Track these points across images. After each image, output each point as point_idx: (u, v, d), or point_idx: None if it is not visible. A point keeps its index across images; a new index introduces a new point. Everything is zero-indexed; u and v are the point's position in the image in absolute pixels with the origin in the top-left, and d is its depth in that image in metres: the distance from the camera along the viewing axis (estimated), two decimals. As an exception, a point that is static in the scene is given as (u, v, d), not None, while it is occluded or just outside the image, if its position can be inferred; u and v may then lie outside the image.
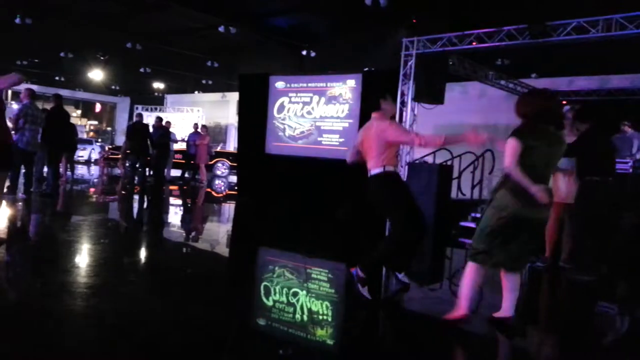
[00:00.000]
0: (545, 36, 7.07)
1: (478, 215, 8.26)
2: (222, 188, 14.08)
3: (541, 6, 7.32)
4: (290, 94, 10.67)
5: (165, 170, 12.97)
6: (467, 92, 11.84)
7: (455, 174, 8.59)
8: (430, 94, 8.40)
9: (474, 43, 7.88)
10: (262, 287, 4.22)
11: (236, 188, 12.18)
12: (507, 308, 3.35)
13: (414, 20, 8.35)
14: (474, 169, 8.63)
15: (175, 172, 14.17)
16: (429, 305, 4.16)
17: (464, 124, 11.09)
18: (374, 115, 4.13)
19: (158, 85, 22.16)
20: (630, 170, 7.42)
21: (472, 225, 7.93)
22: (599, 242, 5.30)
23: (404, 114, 8.89)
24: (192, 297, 3.79)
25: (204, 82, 19.68)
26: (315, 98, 10.30)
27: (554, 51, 8.47)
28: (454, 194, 8.96)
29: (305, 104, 10.44)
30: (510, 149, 3.11)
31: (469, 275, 3.29)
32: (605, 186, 5.09)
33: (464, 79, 10.06)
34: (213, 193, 12.76)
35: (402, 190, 4.05)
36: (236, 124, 12.59)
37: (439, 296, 4.68)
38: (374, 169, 3.95)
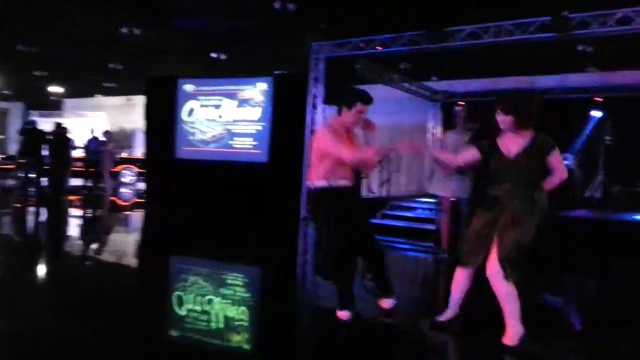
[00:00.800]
0: (442, 41, 7.53)
1: (389, 212, 8.63)
2: (129, 196, 13.44)
3: (439, 13, 7.78)
4: (200, 97, 10.45)
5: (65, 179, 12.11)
6: (373, 94, 12.22)
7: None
8: (340, 97, 8.60)
9: (378, 47, 8.21)
10: (173, 298, 4.09)
11: (145, 195, 11.69)
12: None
13: (322, 26, 8.54)
14: (381, 167, 8.97)
15: (77, 181, 13.28)
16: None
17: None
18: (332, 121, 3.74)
19: (55, 89, 20.70)
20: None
21: (382, 222, 8.26)
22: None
23: (315, 116, 9.04)
24: (95, 313, 3.59)
25: (106, 85, 18.68)
26: (226, 101, 10.19)
27: (451, 55, 9.04)
28: (363, 192, 9.25)
29: (215, 107, 10.28)
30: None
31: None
32: None
33: (371, 82, 10.42)
34: (119, 202, 12.13)
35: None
36: (143, 129, 12.08)
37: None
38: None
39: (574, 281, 5.55)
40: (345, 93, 3.71)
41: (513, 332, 2.99)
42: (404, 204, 8.92)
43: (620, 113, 9.50)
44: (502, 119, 3.08)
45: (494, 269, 3.01)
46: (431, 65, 11.04)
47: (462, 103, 11.43)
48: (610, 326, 3.86)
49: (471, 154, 3.29)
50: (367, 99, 3.61)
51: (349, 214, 3.50)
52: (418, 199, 8.93)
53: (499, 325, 3.05)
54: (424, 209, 8.42)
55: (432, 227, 7.23)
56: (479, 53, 8.64)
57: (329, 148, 3.48)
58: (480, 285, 3.18)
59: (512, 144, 3.09)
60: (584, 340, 3.57)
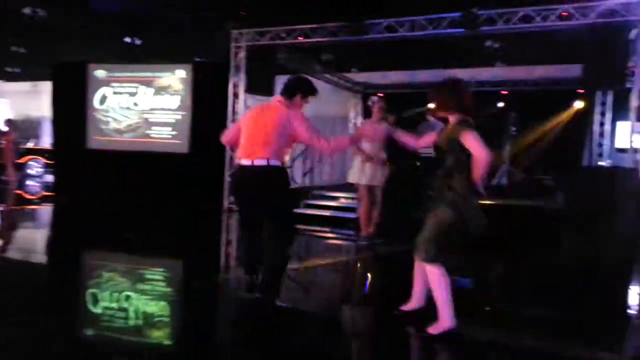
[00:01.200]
0: (363, 33, 7.69)
1: (312, 202, 8.73)
2: (37, 189, 12.56)
3: (358, 5, 7.93)
4: (113, 84, 9.94)
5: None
6: (296, 84, 12.30)
7: (287, 162, 8.93)
8: (262, 86, 8.57)
9: (300, 38, 8.23)
10: (88, 296, 3.91)
11: (53, 188, 10.97)
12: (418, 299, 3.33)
13: (242, 12, 8.40)
14: (304, 158, 9.05)
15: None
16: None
17: (295, 115, 11.51)
18: (278, 99, 3.61)
19: (-52, 73, 18.80)
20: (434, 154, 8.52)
21: (305, 211, 8.35)
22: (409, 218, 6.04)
23: (237, 105, 8.92)
24: (2, 315, 3.36)
25: (9, 70, 17.25)
26: (142, 89, 9.77)
27: (371, 47, 9.27)
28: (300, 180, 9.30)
29: (130, 95, 9.83)
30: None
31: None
32: (416, 169, 5.83)
33: (293, 72, 10.43)
34: (25, 195, 11.31)
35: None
36: (51, 117, 11.30)
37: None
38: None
39: (481, 264, 5.93)
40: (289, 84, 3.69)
41: (439, 323, 3.05)
42: (327, 193, 9.07)
43: (524, 106, 10.24)
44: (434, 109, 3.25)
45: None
46: (352, 57, 11.25)
47: (381, 94, 11.83)
48: (514, 302, 4.19)
49: (430, 139, 3.37)
50: (310, 91, 3.67)
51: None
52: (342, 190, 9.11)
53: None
54: (347, 198, 8.61)
55: (354, 215, 7.43)
56: (397, 46, 8.93)
57: (299, 131, 3.39)
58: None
59: (442, 134, 3.23)
60: (491, 316, 3.85)
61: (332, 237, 7.33)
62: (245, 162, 3.35)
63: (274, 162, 3.34)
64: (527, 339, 3.25)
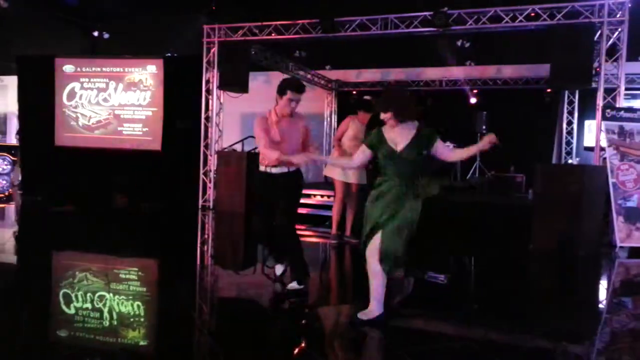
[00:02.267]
0: (334, 31, 7.71)
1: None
2: (4, 187, 12.20)
3: (331, 3, 7.95)
4: (82, 79, 9.72)
5: None
6: (270, 81, 12.19)
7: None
8: (235, 82, 8.48)
9: (273, 34, 8.19)
10: (60, 296, 3.83)
11: (21, 186, 10.67)
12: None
13: (214, 7, 8.32)
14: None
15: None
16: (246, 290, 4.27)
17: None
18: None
19: None
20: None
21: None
22: None
23: (210, 102, 8.83)
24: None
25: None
26: (112, 84, 9.59)
27: (344, 45, 9.30)
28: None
29: (100, 90, 9.64)
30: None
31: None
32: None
33: (267, 69, 10.39)
34: (-9, 193, 10.98)
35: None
36: (17, 113, 10.99)
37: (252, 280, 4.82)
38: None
39: (455, 259, 6.03)
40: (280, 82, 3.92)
41: (369, 309, 3.26)
42: (305, 191, 9.03)
43: (494, 104, 10.43)
44: (384, 117, 3.24)
45: (372, 250, 3.23)
46: (325, 54, 11.27)
47: (354, 92, 11.89)
48: (486, 299, 4.28)
49: (365, 155, 3.39)
50: (297, 88, 3.84)
51: (273, 195, 3.94)
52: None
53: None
54: (323, 195, 8.60)
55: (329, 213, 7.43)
56: (370, 44, 8.98)
57: (254, 134, 3.89)
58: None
59: (399, 137, 3.23)
60: (463, 310, 3.92)
61: (309, 235, 7.33)
62: None
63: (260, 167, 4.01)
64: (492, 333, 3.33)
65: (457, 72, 11.24)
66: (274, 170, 3.92)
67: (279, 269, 4.23)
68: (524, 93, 10.71)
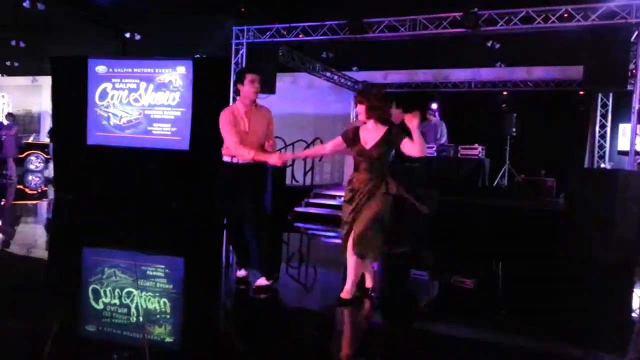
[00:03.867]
0: (362, 32, 7.67)
1: (312, 200, 8.73)
2: (37, 184, 12.56)
3: (359, 4, 7.91)
4: (113, 80, 9.92)
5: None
6: (296, 82, 12.29)
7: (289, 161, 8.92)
8: (262, 83, 8.52)
9: (300, 35, 8.21)
10: (90, 292, 3.91)
11: (54, 183, 10.97)
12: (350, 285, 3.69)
13: (242, 9, 8.39)
14: (305, 156, 9.01)
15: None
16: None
17: (294, 113, 11.52)
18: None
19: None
20: (435, 154, 8.51)
21: (306, 210, 8.36)
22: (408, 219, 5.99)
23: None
24: (6, 311, 3.35)
25: (8, 64, 17.21)
26: (143, 84, 9.75)
27: (371, 46, 9.25)
28: (288, 180, 9.31)
29: (131, 90, 9.82)
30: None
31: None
32: (414, 169, 5.80)
33: (294, 70, 10.43)
34: (26, 190, 11.31)
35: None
36: (51, 112, 11.29)
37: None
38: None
39: (481, 265, 5.94)
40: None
41: (347, 289, 3.61)
42: (327, 192, 9.06)
43: (525, 106, 10.23)
44: (358, 109, 3.52)
45: (350, 244, 3.52)
46: (352, 56, 11.25)
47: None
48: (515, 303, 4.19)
49: (336, 144, 3.69)
50: (252, 69, 4.20)
51: (245, 187, 3.93)
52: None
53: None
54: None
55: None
56: (398, 45, 8.92)
57: (221, 129, 3.87)
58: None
59: (370, 135, 3.50)
60: (494, 319, 3.85)
61: (331, 236, 7.32)
62: None
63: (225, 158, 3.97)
64: (526, 340, 3.26)
65: (486, 74, 11.07)
66: (242, 161, 3.92)
67: (242, 274, 4.22)
68: (555, 95, 10.48)
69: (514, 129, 9.84)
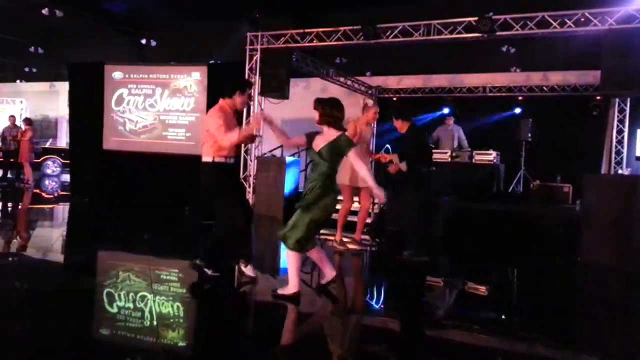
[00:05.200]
0: (376, 37, 7.67)
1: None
2: (53, 188, 12.73)
3: (372, 10, 7.93)
4: (129, 85, 10.04)
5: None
6: (310, 87, 12.31)
7: (302, 166, 8.94)
8: (276, 89, 8.58)
9: (314, 41, 8.24)
10: (105, 295, 3.94)
11: (70, 188, 11.11)
12: (329, 271, 4.02)
13: (257, 15, 8.44)
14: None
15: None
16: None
17: (308, 118, 11.50)
18: (220, 102, 4.27)
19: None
20: (449, 159, 8.46)
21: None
22: (427, 225, 5.94)
23: (252, 108, 8.95)
24: (21, 314, 3.39)
25: (27, 70, 17.51)
26: (158, 90, 9.85)
27: (385, 51, 9.25)
28: (302, 185, 9.31)
29: (147, 96, 9.92)
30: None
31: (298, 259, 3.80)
32: (431, 175, 5.75)
33: (307, 75, 10.46)
34: (42, 194, 11.47)
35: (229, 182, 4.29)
36: (68, 117, 11.45)
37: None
38: (205, 156, 4.18)
39: (496, 272, 5.88)
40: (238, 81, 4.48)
41: (289, 286, 3.76)
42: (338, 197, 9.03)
43: (540, 111, 10.13)
44: (315, 114, 3.78)
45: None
46: (366, 61, 11.25)
47: (395, 98, 11.81)
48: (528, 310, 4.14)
49: (298, 139, 3.95)
50: (251, 85, 4.70)
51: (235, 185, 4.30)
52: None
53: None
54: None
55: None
56: (412, 50, 8.90)
57: (217, 127, 4.02)
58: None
59: (321, 140, 3.73)
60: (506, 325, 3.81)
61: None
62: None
63: (206, 158, 4.12)
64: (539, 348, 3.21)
65: (501, 79, 11.00)
66: (232, 161, 4.22)
67: (250, 270, 4.33)
68: (571, 100, 10.36)
69: (529, 134, 9.75)
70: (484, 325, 3.70)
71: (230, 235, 4.32)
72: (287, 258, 3.77)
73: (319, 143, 3.73)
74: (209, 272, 4.21)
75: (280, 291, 3.81)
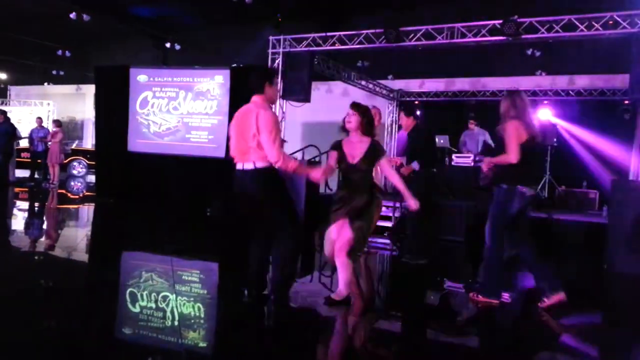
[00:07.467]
0: (398, 41, 7.64)
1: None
2: (79, 189, 12.98)
3: (396, 12, 7.90)
4: (154, 88, 10.18)
5: (10, 170, 11.63)
6: (331, 91, 12.33)
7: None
8: (298, 92, 8.61)
9: (336, 44, 8.24)
10: (128, 295, 4.00)
11: (95, 189, 11.31)
12: (343, 288, 3.75)
13: (280, 19, 8.49)
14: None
15: (24, 173, 12.74)
16: (307, 298, 4.29)
17: (329, 121, 11.51)
18: (254, 99, 3.76)
19: (0, 75, 19.72)
20: (472, 163, 8.36)
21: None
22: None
23: (274, 109, 9.00)
24: (47, 312, 3.46)
25: (54, 72, 17.95)
26: (182, 93, 9.97)
27: (407, 55, 9.20)
28: (322, 189, 9.30)
29: (171, 99, 10.05)
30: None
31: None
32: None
33: (329, 79, 10.47)
34: (68, 195, 11.71)
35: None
36: (94, 119, 11.68)
37: (312, 288, 4.83)
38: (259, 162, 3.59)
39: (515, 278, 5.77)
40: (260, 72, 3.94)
41: (339, 291, 3.71)
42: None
43: (566, 115, 9.95)
44: (351, 118, 3.67)
45: (342, 249, 3.60)
46: (388, 64, 11.21)
47: (417, 102, 11.73)
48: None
49: (331, 159, 3.76)
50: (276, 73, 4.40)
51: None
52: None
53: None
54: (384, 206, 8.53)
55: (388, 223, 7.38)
56: (434, 53, 8.83)
57: (271, 134, 3.49)
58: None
59: (355, 150, 3.65)
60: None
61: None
62: (238, 166, 3.71)
63: (261, 164, 3.53)
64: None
65: (526, 82, 10.84)
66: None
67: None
68: (598, 104, 10.14)
69: (554, 139, 9.58)
70: (508, 334, 3.64)
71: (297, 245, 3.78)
72: (341, 266, 3.67)
73: (354, 152, 3.67)
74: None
75: (333, 296, 3.74)
